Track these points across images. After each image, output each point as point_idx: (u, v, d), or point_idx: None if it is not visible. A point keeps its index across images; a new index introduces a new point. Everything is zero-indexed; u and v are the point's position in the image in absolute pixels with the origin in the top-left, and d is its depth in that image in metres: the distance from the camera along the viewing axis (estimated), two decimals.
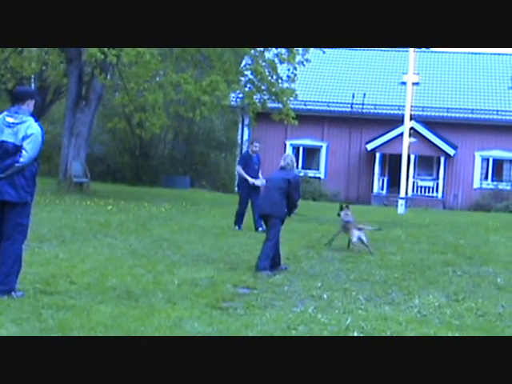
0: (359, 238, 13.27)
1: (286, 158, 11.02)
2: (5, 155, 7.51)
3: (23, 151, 7.50)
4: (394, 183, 33.99)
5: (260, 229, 15.23)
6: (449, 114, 35.50)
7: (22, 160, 7.50)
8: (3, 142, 7.53)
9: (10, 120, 7.59)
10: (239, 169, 16.42)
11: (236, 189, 35.51)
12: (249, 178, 15.99)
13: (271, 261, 10.59)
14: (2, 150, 7.52)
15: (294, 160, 11.12)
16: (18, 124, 7.57)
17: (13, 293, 7.62)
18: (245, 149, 36.53)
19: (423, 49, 43.71)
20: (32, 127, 7.60)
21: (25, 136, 7.52)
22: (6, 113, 7.73)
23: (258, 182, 15.92)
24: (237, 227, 16.15)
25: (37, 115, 33.50)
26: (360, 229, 13.44)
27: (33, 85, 39.62)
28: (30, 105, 7.72)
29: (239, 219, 16.26)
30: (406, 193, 29.14)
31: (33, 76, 36.14)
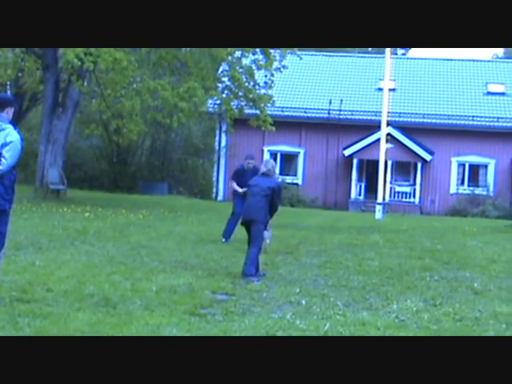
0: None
1: (267, 163, 11.11)
2: None
3: (2, 159, 7.39)
4: (371, 189, 34.12)
5: (224, 240, 14.89)
6: (425, 120, 35.73)
7: (1, 168, 7.39)
8: None
9: None
10: (232, 184, 15.32)
11: (220, 197, 35.90)
12: (238, 189, 14.83)
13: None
14: None
15: (275, 165, 11.21)
16: None
17: None
18: (222, 155, 36.62)
19: (400, 54, 44.07)
20: (11, 135, 7.50)
21: (4, 144, 7.42)
22: None
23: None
24: (224, 239, 14.98)
25: (13, 122, 32.86)
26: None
27: (9, 91, 39.37)
28: (9, 112, 7.60)
29: (228, 231, 15.06)
30: (384, 198, 29.25)
31: (8, 82, 35.90)
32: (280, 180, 11.43)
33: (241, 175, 15.06)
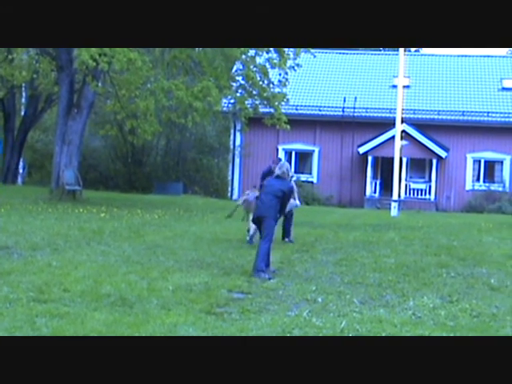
0: None
1: (282, 166, 11.41)
2: None
3: None
4: (386, 186, 34.03)
5: (286, 239, 15.13)
6: (440, 117, 35.59)
7: None
8: None
9: None
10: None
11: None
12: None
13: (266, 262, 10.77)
14: None
15: (290, 169, 11.45)
16: None
17: None
18: (237, 154, 36.63)
19: (413, 51, 43.89)
20: None
21: None
22: None
23: None
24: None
25: (28, 124, 33.64)
26: None
27: (24, 93, 39.58)
28: None
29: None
30: (399, 195, 29.17)
31: (24, 84, 36.08)
32: (294, 179, 11.72)
33: (267, 176, 14.40)
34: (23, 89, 38.69)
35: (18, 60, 29.17)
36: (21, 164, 40.48)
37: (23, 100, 40.25)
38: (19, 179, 40.39)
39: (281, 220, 14.84)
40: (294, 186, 14.41)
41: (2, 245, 12.41)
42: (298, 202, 15.38)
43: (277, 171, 11.32)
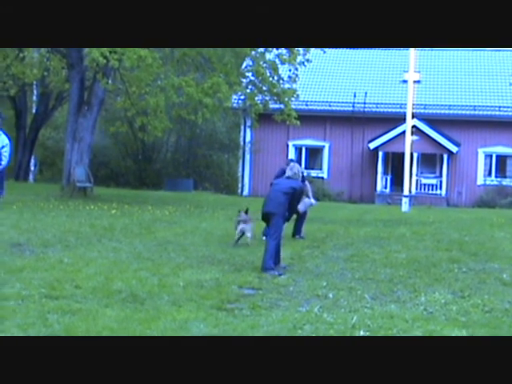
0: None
1: (292, 168, 11.46)
2: None
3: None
4: (397, 181, 33.93)
5: (297, 236, 15.15)
6: (451, 112, 35.44)
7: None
8: None
9: None
10: None
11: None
12: None
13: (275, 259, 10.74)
14: None
15: (301, 170, 11.52)
16: None
17: None
18: (247, 150, 36.64)
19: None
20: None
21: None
22: None
23: None
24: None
25: (40, 121, 34.31)
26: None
27: (35, 91, 39.70)
28: None
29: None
30: (410, 191, 29.08)
31: (35, 82, 36.19)
32: (303, 185, 11.81)
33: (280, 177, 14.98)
34: (34, 86, 38.81)
35: (29, 58, 29.22)
36: (32, 161, 40.66)
37: (34, 98, 40.41)
38: (31, 176, 40.57)
39: (294, 216, 14.92)
40: (308, 186, 14.46)
41: (14, 242, 12.46)
42: (313, 200, 15.39)
43: (288, 173, 11.35)
